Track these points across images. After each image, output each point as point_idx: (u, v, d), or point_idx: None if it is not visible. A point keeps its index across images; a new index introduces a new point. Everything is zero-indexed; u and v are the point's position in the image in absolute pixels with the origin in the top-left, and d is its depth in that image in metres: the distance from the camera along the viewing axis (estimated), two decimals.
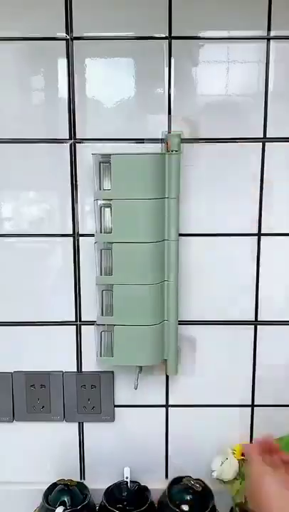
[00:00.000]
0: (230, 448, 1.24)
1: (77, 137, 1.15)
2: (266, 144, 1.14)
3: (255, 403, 1.26)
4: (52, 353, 1.24)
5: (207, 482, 1.22)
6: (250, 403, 1.26)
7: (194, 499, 1.18)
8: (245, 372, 1.25)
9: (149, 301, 1.13)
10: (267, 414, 1.27)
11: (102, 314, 1.15)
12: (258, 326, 1.23)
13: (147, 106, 1.13)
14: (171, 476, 1.27)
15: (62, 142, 1.15)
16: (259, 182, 1.15)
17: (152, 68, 1.12)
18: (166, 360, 1.18)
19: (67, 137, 1.15)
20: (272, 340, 1.23)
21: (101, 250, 1.13)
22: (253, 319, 1.23)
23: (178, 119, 1.13)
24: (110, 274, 1.12)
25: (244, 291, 1.21)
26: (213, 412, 1.26)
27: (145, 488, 1.23)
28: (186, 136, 1.14)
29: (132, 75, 1.12)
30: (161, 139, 1.14)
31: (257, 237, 1.18)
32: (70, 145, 1.15)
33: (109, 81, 1.13)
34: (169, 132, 1.14)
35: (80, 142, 1.15)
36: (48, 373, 1.24)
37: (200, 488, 1.19)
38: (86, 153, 1.14)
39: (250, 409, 1.27)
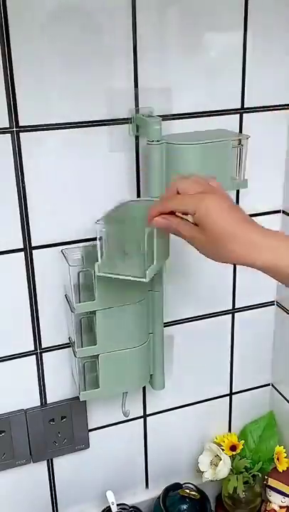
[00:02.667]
0: (212, 441, 1.17)
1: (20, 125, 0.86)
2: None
3: (233, 390, 1.19)
4: (9, 391, 1.00)
5: (193, 481, 1.15)
6: (228, 392, 1.19)
7: (192, 508, 1.11)
8: (223, 360, 1.16)
9: (137, 319, 0.94)
10: (243, 399, 1.21)
11: (82, 345, 0.94)
12: (235, 314, 1.13)
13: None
14: (152, 487, 1.18)
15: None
16: None
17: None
18: (151, 375, 1.03)
19: (8, 126, 0.85)
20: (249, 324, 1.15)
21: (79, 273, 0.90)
22: (231, 308, 1.12)
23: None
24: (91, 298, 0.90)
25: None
26: (191, 410, 1.17)
27: (137, 509, 1.12)
28: (157, 112, 0.91)
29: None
30: (128, 119, 0.91)
31: None
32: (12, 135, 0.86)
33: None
34: (137, 108, 0.90)
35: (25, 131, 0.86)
36: (7, 416, 1.01)
37: (198, 496, 1.11)
38: (36, 144, 0.87)
39: (228, 398, 1.19)
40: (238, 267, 1.08)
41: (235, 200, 1.04)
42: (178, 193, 0.74)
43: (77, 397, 1.00)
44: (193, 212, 0.70)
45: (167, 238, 0.88)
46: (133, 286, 0.91)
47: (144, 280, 0.81)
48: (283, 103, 1.00)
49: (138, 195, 0.96)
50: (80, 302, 0.90)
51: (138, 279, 0.81)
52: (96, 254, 0.83)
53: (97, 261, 0.82)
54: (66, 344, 1.00)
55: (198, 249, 0.72)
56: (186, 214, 0.73)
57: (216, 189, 0.73)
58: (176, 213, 0.74)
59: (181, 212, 0.73)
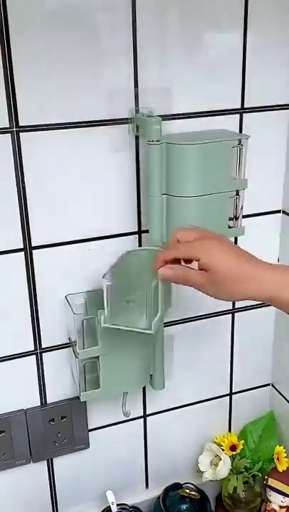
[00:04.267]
0: (212, 441, 1.17)
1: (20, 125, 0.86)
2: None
3: (233, 390, 1.19)
4: (9, 391, 1.00)
5: (193, 481, 1.15)
6: (228, 392, 1.19)
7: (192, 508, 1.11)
8: (223, 360, 1.16)
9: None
10: (243, 399, 1.21)
11: (84, 346, 0.94)
12: (235, 314, 1.13)
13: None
14: (152, 487, 1.18)
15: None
16: None
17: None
18: (151, 375, 1.03)
19: (8, 126, 0.85)
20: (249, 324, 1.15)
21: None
22: (231, 308, 1.12)
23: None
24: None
25: None
26: (191, 410, 1.17)
27: (137, 509, 1.12)
28: (157, 112, 0.92)
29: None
30: (128, 119, 0.91)
31: None
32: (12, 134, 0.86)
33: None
34: (137, 108, 0.90)
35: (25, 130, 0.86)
36: (7, 416, 1.01)
37: (198, 496, 1.11)
38: (36, 144, 0.87)
39: (228, 398, 1.19)
40: None
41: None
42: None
43: (77, 397, 1.00)
44: (197, 257, 0.72)
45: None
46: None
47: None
48: (283, 103, 1.01)
49: (138, 195, 0.96)
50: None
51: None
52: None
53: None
54: (66, 344, 1.00)
55: (208, 294, 0.74)
56: (190, 262, 0.75)
57: (214, 234, 0.76)
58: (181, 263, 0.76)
59: (186, 258, 0.76)
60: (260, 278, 0.71)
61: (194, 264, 0.74)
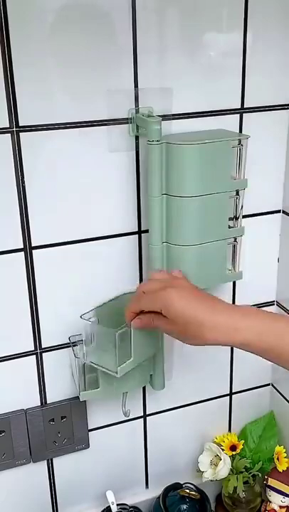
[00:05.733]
0: (212, 441, 1.17)
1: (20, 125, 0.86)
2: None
3: (233, 390, 1.19)
4: (9, 391, 1.00)
5: (193, 481, 1.15)
6: (228, 392, 1.19)
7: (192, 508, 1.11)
8: (223, 360, 1.16)
9: None
10: (243, 399, 1.21)
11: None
12: None
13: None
14: (152, 487, 1.19)
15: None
16: None
17: None
18: (151, 375, 1.03)
19: (8, 126, 0.85)
20: None
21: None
22: None
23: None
24: None
25: None
26: (191, 410, 1.17)
27: (137, 509, 1.12)
28: (157, 112, 0.92)
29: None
30: (128, 119, 0.91)
31: None
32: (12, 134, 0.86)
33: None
34: (137, 108, 0.90)
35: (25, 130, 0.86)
36: (7, 416, 1.01)
37: (198, 496, 1.11)
38: (36, 144, 0.87)
39: (228, 398, 1.19)
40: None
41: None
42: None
43: (77, 397, 1.00)
44: (159, 309, 0.76)
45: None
46: None
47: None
48: (283, 103, 1.01)
49: (138, 195, 0.96)
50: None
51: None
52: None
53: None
54: (66, 344, 1.00)
55: (178, 339, 0.78)
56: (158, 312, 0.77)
57: (177, 281, 0.80)
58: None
59: (151, 310, 0.79)
60: (219, 325, 0.72)
61: None
